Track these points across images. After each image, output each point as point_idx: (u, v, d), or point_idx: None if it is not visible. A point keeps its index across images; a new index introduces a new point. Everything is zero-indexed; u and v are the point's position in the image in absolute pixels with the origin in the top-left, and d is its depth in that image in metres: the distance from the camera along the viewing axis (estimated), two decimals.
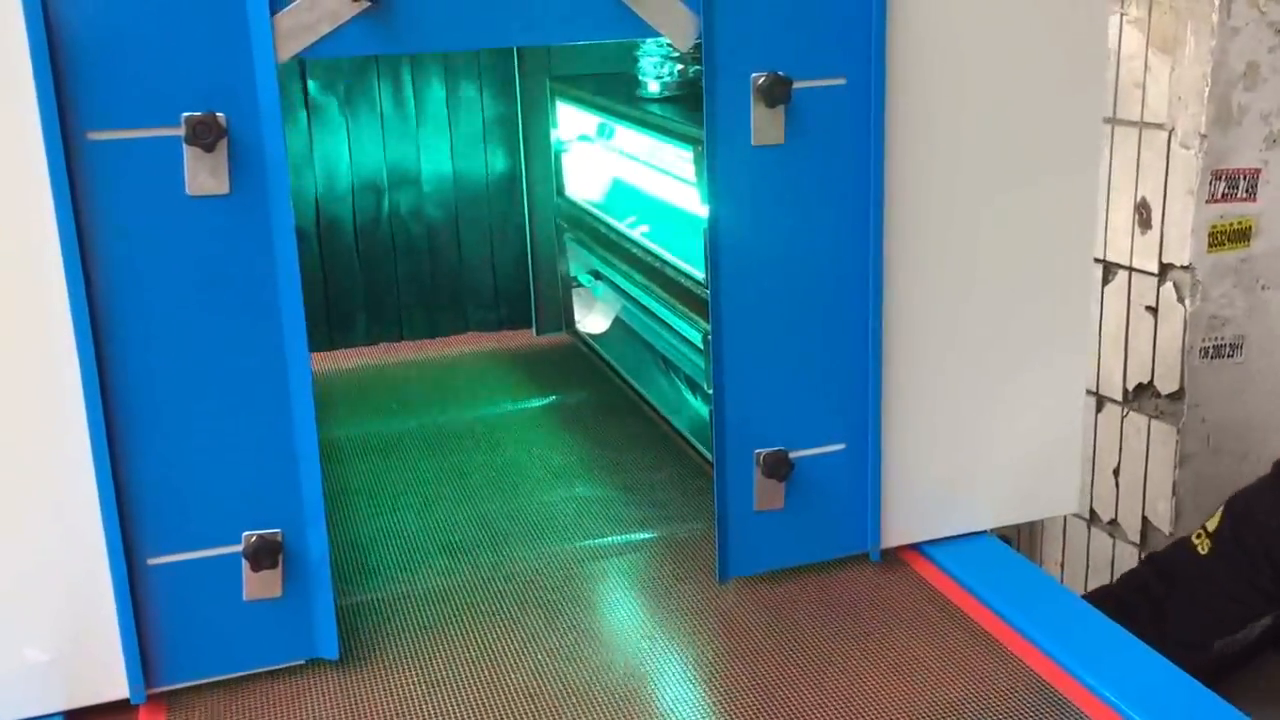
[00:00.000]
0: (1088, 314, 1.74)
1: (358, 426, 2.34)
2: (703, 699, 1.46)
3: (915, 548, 1.74)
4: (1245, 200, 2.80)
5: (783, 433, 1.61)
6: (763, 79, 1.46)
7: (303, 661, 1.51)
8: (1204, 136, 2.70)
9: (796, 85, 1.49)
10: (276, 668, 1.50)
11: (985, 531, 1.78)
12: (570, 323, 2.68)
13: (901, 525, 1.71)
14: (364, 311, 2.66)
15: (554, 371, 2.56)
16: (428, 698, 1.46)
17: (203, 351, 1.37)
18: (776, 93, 1.46)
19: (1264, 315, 2.86)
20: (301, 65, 2.49)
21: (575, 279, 2.63)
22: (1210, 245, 2.80)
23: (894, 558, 1.72)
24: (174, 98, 1.29)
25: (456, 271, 2.69)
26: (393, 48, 1.36)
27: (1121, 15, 2.86)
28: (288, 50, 1.32)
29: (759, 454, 1.61)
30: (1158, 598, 2.02)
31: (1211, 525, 1.99)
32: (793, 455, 1.62)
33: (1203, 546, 1.97)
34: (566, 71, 2.50)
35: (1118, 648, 1.51)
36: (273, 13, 1.30)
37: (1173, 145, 2.78)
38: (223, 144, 1.30)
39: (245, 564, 1.43)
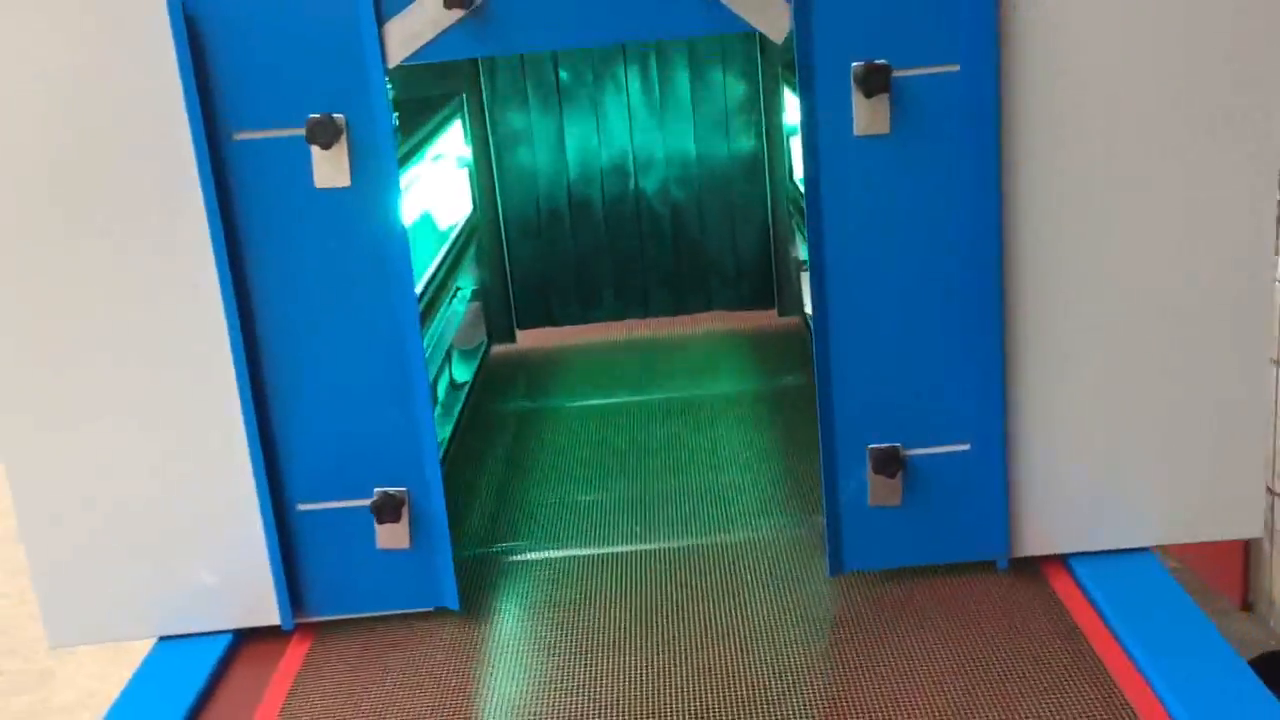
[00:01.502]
0: (1271, 298, 1.55)
1: (588, 397, 2.49)
2: (776, 696, 1.47)
3: (1060, 559, 1.64)
4: None
5: (897, 428, 1.58)
6: (860, 67, 1.43)
7: (431, 609, 1.67)
8: None
9: (903, 73, 1.44)
10: (408, 612, 1.67)
11: (1147, 549, 1.64)
12: (802, 306, 2.68)
13: (1040, 534, 1.62)
14: (611, 288, 2.80)
15: (781, 355, 2.58)
16: (537, 658, 1.57)
17: (333, 330, 1.54)
18: (874, 81, 1.43)
19: None
20: (554, 57, 2.65)
21: (804, 262, 2.63)
22: None
23: (1031, 568, 1.63)
24: (303, 101, 1.46)
25: (700, 251, 2.77)
26: (491, 50, 1.46)
27: None
28: (396, 56, 1.45)
29: (870, 449, 1.58)
30: None
31: None
32: (911, 453, 1.58)
33: None
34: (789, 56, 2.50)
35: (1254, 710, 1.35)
36: (381, 23, 1.44)
37: None
38: (342, 140, 1.46)
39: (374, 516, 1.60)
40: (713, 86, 2.67)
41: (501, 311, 2.78)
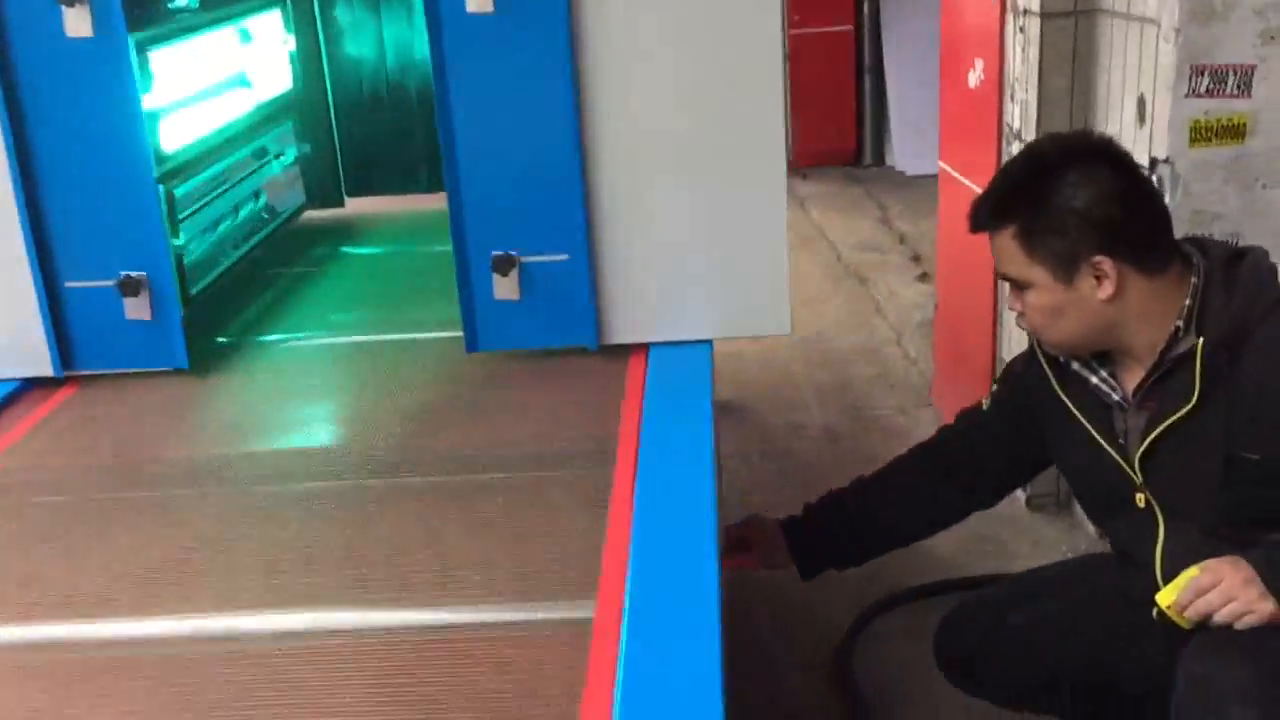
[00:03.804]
0: (781, 165, 2.05)
1: (365, 249, 3.04)
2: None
3: (644, 346, 2.15)
4: (1236, 97, 2.80)
5: (513, 241, 2.09)
6: None
7: (170, 369, 2.20)
8: (1178, 30, 2.74)
9: None
10: (154, 370, 2.20)
11: (709, 341, 2.15)
12: None
13: (625, 326, 2.14)
14: (426, 164, 3.29)
15: None
16: (250, 406, 2.16)
17: (83, 147, 2.05)
18: None
19: (1265, 215, 2.85)
20: None
21: None
22: (1193, 140, 2.83)
23: (617, 351, 2.15)
24: None
25: None
26: None
27: None
28: None
29: (493, 255, 2.09)
30: (953, 450, 2.19)
31: (994, 388, 2.14)
32: (524, 260, 2.10)
33: (985, 404, 2.12)
34: None
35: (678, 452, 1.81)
36: None
37: (1159, 40, 2.83)
38: (85, 3, 1.97)
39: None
40: None
41: (331, 181, 3.28)
